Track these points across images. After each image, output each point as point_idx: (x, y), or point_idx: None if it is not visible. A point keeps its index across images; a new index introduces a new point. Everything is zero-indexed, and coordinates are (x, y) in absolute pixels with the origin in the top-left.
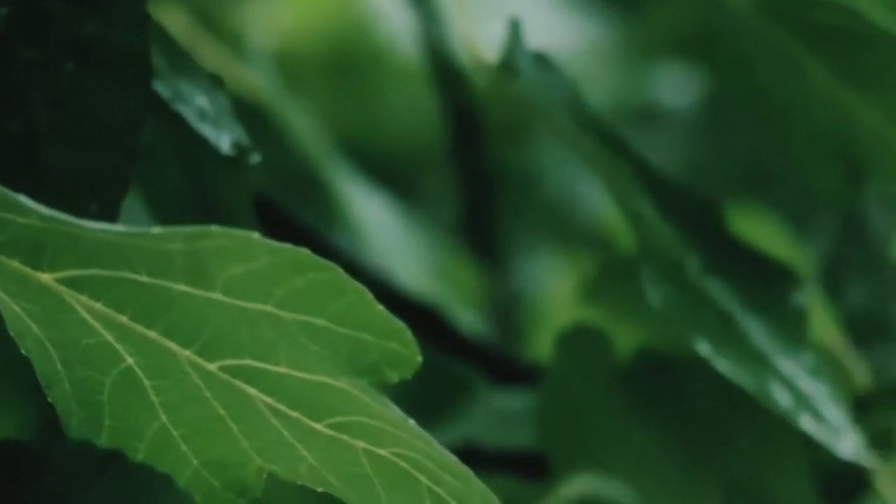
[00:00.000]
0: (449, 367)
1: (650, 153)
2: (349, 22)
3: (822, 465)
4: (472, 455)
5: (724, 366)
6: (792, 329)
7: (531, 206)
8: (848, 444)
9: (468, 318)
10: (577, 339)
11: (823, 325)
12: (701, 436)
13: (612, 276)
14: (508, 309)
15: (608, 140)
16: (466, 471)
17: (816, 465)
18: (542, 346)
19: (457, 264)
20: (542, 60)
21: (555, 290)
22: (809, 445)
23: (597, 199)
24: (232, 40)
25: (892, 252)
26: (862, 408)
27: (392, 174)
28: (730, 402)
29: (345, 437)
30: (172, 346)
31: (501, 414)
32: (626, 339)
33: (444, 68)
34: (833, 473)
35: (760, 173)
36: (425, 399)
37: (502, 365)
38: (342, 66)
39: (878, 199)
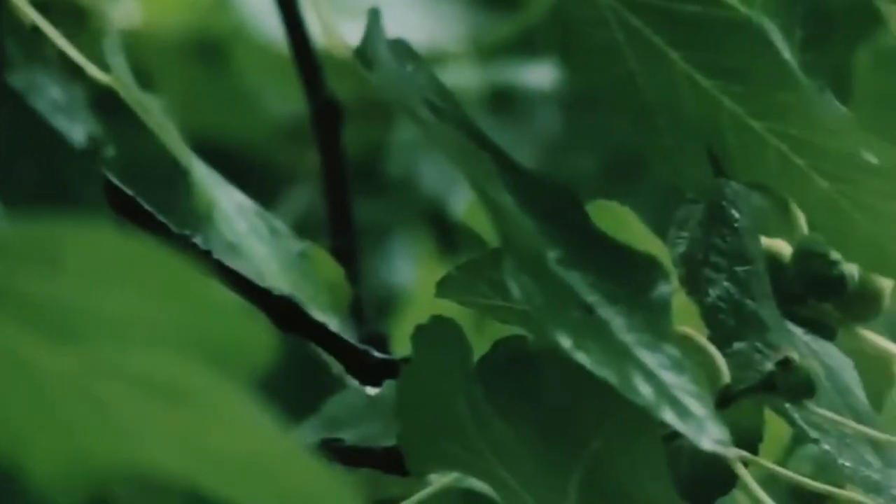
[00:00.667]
0: (311, 361)
1: (510, 144)
2: (209, 4)
3: (687, 460)
4: (335, 450)
5: (585, 358)
6: (654, 321)
7: (395, 198)
8: (711, 436)
9: (330, 310)
10: (434, 333)
11: (686, 317)
12: (561, 429)
13: (475, 268)
14: (372, 302)
15: (467, 130)
16: (328, 465)
17: (680, 460)
18: (406, 339)
19: (318, 255)
20: (401, 49)
21: (422, 283)
22: (673, 440)
23: (463, 191)
24: (87, 25)
25: (755, 245)
26: (725, 401)
27: (255, 162)
28: (591, 394)
29: (200, 427)
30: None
31: (365, 408)
32: (488, 331)
33: (305, 54)
34: (698, 469)
35: (623, 165)
36: (287, 393)
37: (366, 359)
38: (201, 50)
39: (741, 192)
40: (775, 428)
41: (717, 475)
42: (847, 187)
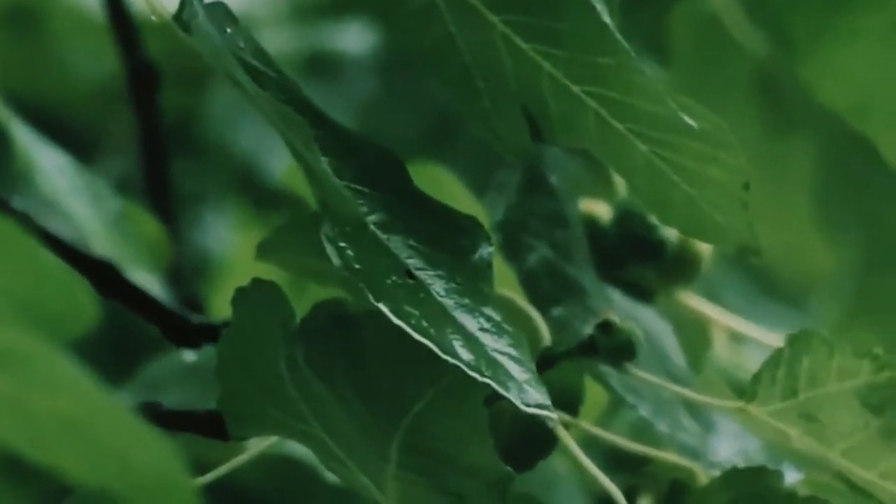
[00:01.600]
0: (132, 325)
1: (330, 107)
2: None
3: (508, 423)
4: (157, 414)
5: (404, 322)
6: (475, 285)
7: (215, 162)
8: (531, 399)
9: (150, 275)
10: (254, 295)
11: (506, 280)
12: (382, 392)
13: (294, 232)
14: (192, 266)
15: (286, 93)
16: (150, 429)
17: (502, 422)
18: (223, 304)
19: (138, 220)
20: (219, 12)
21: (239, 247)
22: (494, 403)
23: (284, 154)
24: None
25: (573, 210)
26: (545, 364)
27: (70, 126)
28: (412, 358)
29: (22, 391)
30: None
31: (186, 373)
32: (309, 294)
33: (121, 17)
34: (519, 431)
35: (443, 127)
36: (109, 357)
37: (184, 323)
38: (17, 16)
39: (560, 156)
40: (596, 391)
41: (538, 438)
42: (666, 151)
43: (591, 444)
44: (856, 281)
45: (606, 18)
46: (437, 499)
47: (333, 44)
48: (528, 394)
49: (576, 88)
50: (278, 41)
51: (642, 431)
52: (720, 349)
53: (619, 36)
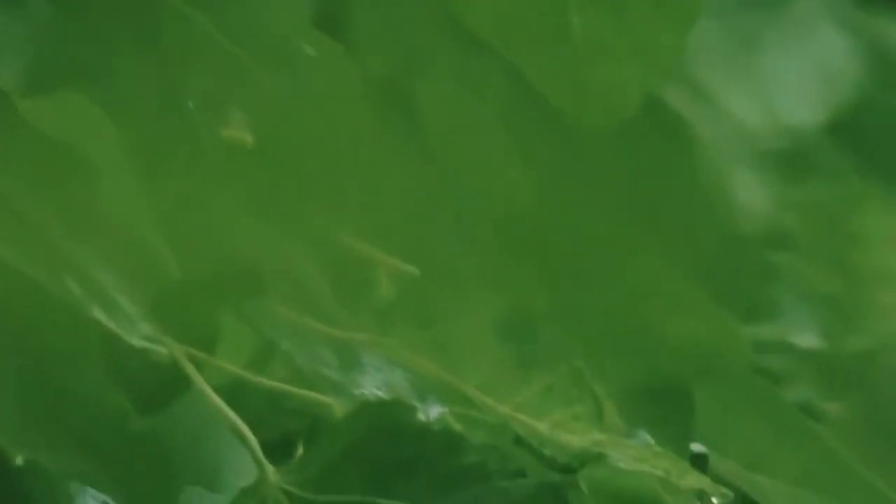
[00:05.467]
0: None
1: None
2: None
3: (136, 361)
4: None
5: (9, 255)
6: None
7: None
8: (142, 333)
9: None
10: None
11: (132, 210)
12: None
13: None
14: None
15: None
16: None
17: (130, 360)
18: None
19: None
20: None
21: None
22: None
23: None
24: None
25: None
26: (170, 297)
27: None
28: (23, 292)
29: None
30: None
31: None
32: None
33: None
34: (145, 369)
35: None
36: None
37: None
38: None
39: None
40: (244, 330)
41: (167, 375)
42: None
43: (244, 387)
44: None
45: None
46: (59, 433)
47: None
48: (138, 328)
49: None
50: None
51: (298, 371)
52: (384, 288)
53: None
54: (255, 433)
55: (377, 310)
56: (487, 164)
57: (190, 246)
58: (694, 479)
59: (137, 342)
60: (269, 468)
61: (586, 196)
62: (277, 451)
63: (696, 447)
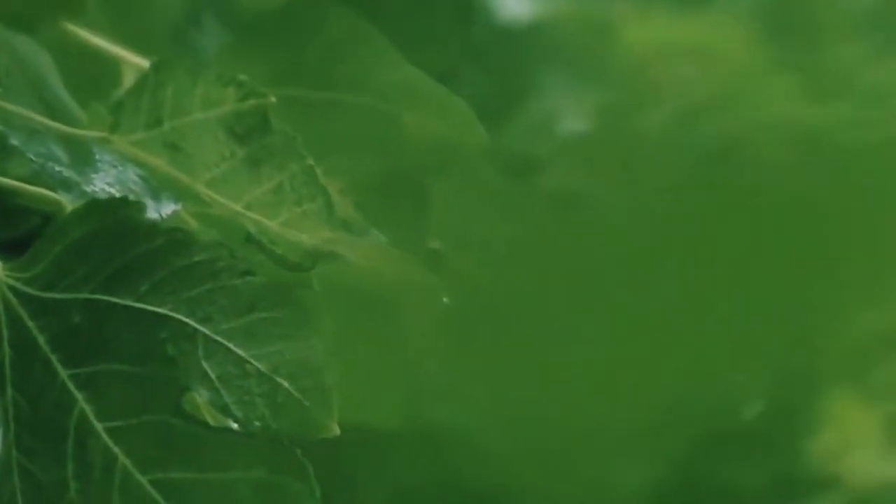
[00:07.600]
0: None
1: None
2: None
3: None
4: None
5: None
6: None
7: None
8: None
9: None
10: None
11: None
12: None
13: None
14: None
15: None
16: None
17: None
18: None
19: None
20: None
21: None
22: None
23: None
24: None
25: None
26: None
27: None
28: None
29: None
30: None
31: None
32: None
33: None
34: None
35: None
36: None
37: None
38: None
39: None
40: None
41: None
42: None
43: None
44: None
45: None
46: None
47: None
48: None
49: None
50: None
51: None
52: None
53: None
54: None
55: (111, 106)
56: None
57: None
58: (427, 277)
59: None
60: None
61: None
62: (11, 250)
63: (433, 244)
